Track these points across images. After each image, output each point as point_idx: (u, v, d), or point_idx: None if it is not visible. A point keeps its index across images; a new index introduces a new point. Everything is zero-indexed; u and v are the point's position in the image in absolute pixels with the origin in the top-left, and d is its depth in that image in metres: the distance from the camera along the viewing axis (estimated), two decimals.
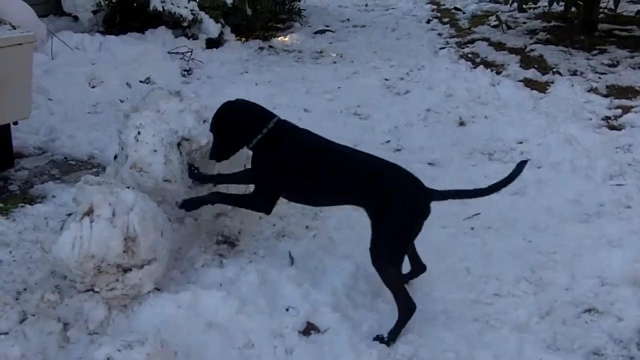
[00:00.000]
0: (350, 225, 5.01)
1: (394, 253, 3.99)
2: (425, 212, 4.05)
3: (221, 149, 4.38)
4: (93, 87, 7.42)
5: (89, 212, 3.93)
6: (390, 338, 3.90)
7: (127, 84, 7.62)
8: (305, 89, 7.71)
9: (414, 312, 3.96)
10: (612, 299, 4.38)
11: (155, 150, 4.39)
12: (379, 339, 3.89)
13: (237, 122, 4.28)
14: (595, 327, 4.16)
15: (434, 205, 5.25)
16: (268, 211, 4.36)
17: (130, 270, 3.97)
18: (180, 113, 4.57)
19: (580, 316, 4.26)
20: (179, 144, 4.48)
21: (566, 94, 7.76)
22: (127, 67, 7.89)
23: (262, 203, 4.35)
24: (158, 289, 4.08)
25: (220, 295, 3.96)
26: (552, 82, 8.22)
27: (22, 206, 5.02)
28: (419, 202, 4.05)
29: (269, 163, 4.26)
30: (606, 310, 4.29)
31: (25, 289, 4.06)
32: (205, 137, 4.54)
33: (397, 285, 3.99)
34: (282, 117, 6.70)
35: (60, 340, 3.75)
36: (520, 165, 4.29)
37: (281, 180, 4.24)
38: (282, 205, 5.11)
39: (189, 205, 4.38)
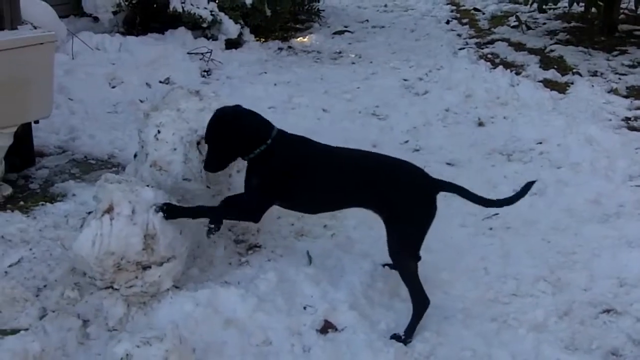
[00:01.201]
0: (368, 224, 4.99)
1: (410, 248, 4.03)
2: (434, 202, 4.07)
3: (218, 159, 4.21)
4: (113, 87, 7.47)
5: (109, 210, 3.96)
6: (407, 336, 3.90)
7: (146, 84, 7.67)
8: (323, 89, 7.72)
9: (427, 307, 3.98)
10: (631, 300, 4.37)
11: (174, 149, 4.42)
12: (396, 337, 3.88)
13: (238, 132, 4.11)
14: (613, 327, 4.15)
15: (454, 203, 5.32)
16: (257, 220, 4.21)
17: (150, 267, 4.00)
18: (199, 112, 4.59)
19: (599, 316, 4.24)
20: (198, 143, 4.49)
21: (586, 94, 7.72)
22: (147, 67, 7.94)
23: (253, 212, 4.17)
24: (177, 287, 4.11)
25: (239, 293, 3.99)
26: (572, 83, 8.19)
27: (42, 204, 5.08)
28: (427, 194, 4.06)
29: (267, 173, 4.13)
30: (625, 310, 4.27)
31: (45, 286, 4.11)
32: None
33: (414, 279, 3.99)
34: (301, 118, 6.78)
35: (80, 337, 3.79)
36: (528, 186, 4.26)
37: (278, 190, 4.14)
38: None
39: (170, 212, 4.02)
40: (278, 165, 4.11)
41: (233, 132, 4.09)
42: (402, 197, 4.01)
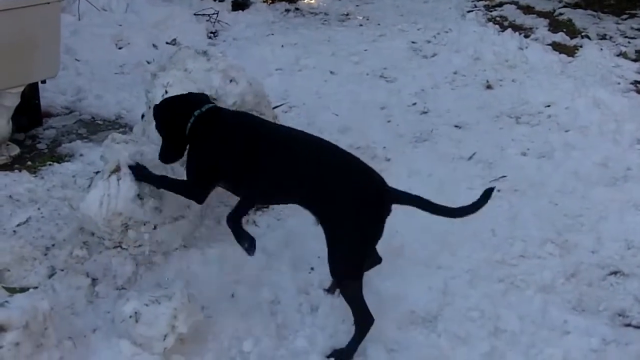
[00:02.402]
0: None
1: (351, 264, 3.50)
2: (383, 214, 3.51)
3: (168, 149, 3.90)
4: (120, 48, 7.42)
5: (116, 170, 3.96)
6: (347, 356, 3.55)
7: (153, 45, 7.62)
8: (331, 52, 7.66)
9: (371, 325, 3.55)
10: (638, 262, 4.39)
11: None
12: (334, 355, 3.56)
13: (171, 112, 3.84)
14: (620, 289, 4.17)
15: (460, 167, 5.32)
16: (200, 201, 3.89)
17: (158, 227, 4.01)
18: (207, 72, 4.58)
19: (606, 278, 4.26)
20: None
21: (595, 58, 7.64)
22: (153, 28, 7.88)
23: (193, 192, 3.87)
24: (185, 246, 4.12)
25: None
26: (581, 46, 8.11)
27: (50, 164, 5.08)
28: (375, 203, 3.47)
29: (201, 151, 3.77)
30: (632, 272, 4.30)
31: (53, 245, 4.11)
32: (232, 97, 4.54)
33: (356, 298, 3.52)
34: (308, 80, 6.74)
35: (89, 295, 3.82)
36: (488, 193, 3.74)
37: (215, 170, 3.73)
38: None
39: (137, 173, 3.98)
40: (211, 140, 3.74)
41: (161, 118, 3.87)
42: (345, 201, 3.44)
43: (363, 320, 3.53)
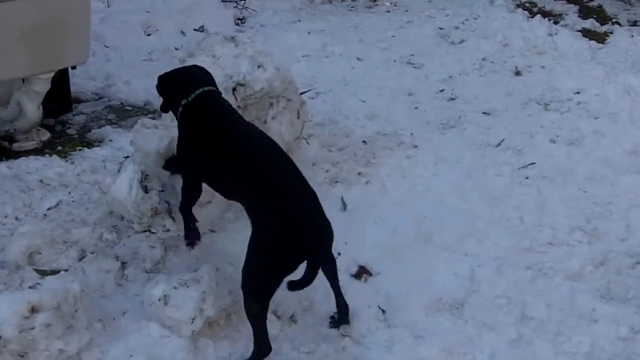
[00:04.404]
0: (402, 172, 5.01)
1: (258, 285, 3.34)
2: (306, 249, 3.27)
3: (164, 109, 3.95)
4: (148, 34, 7.43)
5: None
6: None
7: (181, 32, 7.62)
8: (358, 38, 7.62)
9: (266, 356, 3.40)
10: None
11: None
12: None
13: (171, 83, 3.86)
14: None
15: (488, 153, 5.29)
16: (195, 188, 3.86)
17: None
18: (235, 58, 4.58)
19: (635, 267, 4.24)
20: (234, 89, 4.49)
21: (625, 44, 7.54)
22: (181, 15, 7.88)
23: (184, 187, 3.90)
24: (213, 230, 4.15)
25: None
26: (611, 33, 8.01)
27: (80, 149, 5.13)
28: (298, 245, 3.26)
29: (181, 134, 3.83)
30: None
31: (84, 228, 4.15)
32: (260, 83, 4.54)
33: (257, 322, 3.36)
34: (335, 67, 6.72)
35: (118, 278, 3.86)
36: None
37: (195, 160, 3.74)
38: (335, 152, 5.17)
39: (167, 164, 4.08)
40: (187, 128, 3.77)
41: (168, 82, 3.88)
42: (272, 227, 3.31)
43: (259, 347, 3.39)
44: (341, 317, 3.69)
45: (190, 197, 3.90)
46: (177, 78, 3.88)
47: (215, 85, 3.89)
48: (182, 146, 3.85)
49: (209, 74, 3.93)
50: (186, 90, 3.74)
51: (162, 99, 3.94)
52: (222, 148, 3.60)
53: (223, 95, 3.98)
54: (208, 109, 3.75)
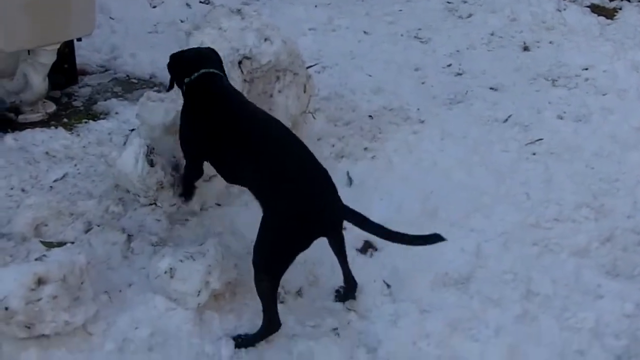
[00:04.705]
0: (409, 147, 5.00)
1: (271, 260, 3.35)
2: (315, 231, 3.35)
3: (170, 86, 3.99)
4: (154, 7, 7.38)
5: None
6: (243, 344, 3.41)
7: (187, 4, 7.57)
8: (364, 11, 7.56)
9: (275, 332, 3.43)
10: None
11: None
12: (235, 338, 3.43)
13: (179, 61, 3.86)
14: None
15: (495, 129, 5.27)
16: (192, 174, 3.94)
17: None
18: (241, 31, 4.55)
19: None
20: (240, 63, 4.47)
21: (634, 20, 7.48)
22: None
23: (186, 165, 3.96)
24: (219, 205, 4.14)
25: None
26: (620, 9, 7.93)
27: (86, 122, 5.12)
28: (311, 219, 3.30)
29: (183, 114, 3.83)
30: None
31: (90, 201, 4.14)
32: (267, 56, 4.51)
33: (268, 298, 3.38)
34: (342, 40, 6.67)
35: (124, 251, 3.86)
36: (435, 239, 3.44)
37: (197, 142, 3.76)
38: (341, 126, 5.16)
39: None
40: (189, 108, 3.77)
41: (171, 64, 3.90)
42: (284, 203, 3.31)
43: (268, 322, 3.41)
44: (348, 292, 3.70)
45: (191, 177, 3.95)
46: (185, 57, 3.88)
47: (222, 70, 3.87)
48: (183, 125, 3.83)
49: (219, 58, 3.92)
50: (190, 69, 3.74)
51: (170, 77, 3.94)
52: (226, 130, 3.57)
53: (228, 71, 3.98)
54: (210, 89, 3.73)
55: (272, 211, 3.35)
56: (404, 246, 3.92)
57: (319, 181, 3.40)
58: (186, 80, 3.72)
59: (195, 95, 3.72)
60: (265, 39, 4.57)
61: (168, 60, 3.92)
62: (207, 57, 3.86)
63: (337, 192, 3.41)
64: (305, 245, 3.33)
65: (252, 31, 4.58)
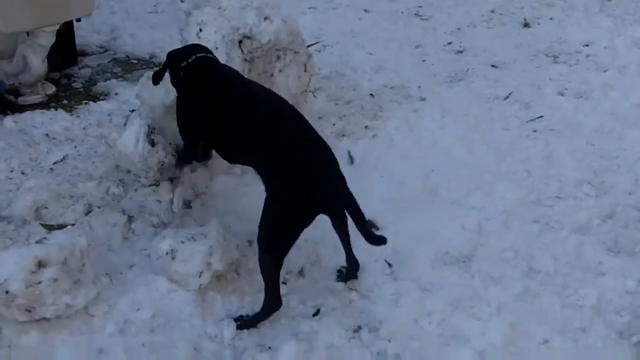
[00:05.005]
0: (409, 125, 4.99)
1: (275, 239, 3.36)
2: (316, 211, 3.37)
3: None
4: None
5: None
6: (245, 325, 3.41)
7: None
8: None
9: (276, 311, 3.43)
10: None
11: (216, 48, 4.35)
12: (236, 319, 3.43)
13: (175, 53, 3.85)
14: None
15: (496, 107, 5.25)
16: (192, 149, 3.90)
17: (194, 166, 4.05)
18: (241, 10, 4.53)
19: None
20: (240, 42, 4.45)
21: None
22: None
23: (185, 149, 3.94)
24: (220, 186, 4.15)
25: None
26: None
27: (85, 103, 5.13)
28: (314, 201, 3.32)
29: (184, 104, 3.80)
30: None
31: (90, 182, 4.15)
32: (267, 35, 4.49)
33: (271, 277, 3.37)
34: (342, 18, 6.64)
35: (125, 232, 3.87)
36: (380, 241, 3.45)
37: (197, 125, 3.72)
38: (342, 105, 5.15)
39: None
40: (189, 91, 3.74)
41: (168, 59, 3.85)
42: (289, 183, 3.34)
43: (270, 301, 3.40)
44: (350, 272, 3.71)
45: (190, 159, 3.98)
46: (180, 48, 3.93)
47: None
48: (183, 109, 3.80)
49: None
50: (186, 55, 3.75)
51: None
52: (228, 109, 3.56)
53: (229, 50, 4.06)
54: (210, 69, 3.73)
55: (274, 187, 3.37)
56: (406, 225, 3.97)
57: (322, 153, 3.42)
58: (183, 64, 3.69)
59: (195, 76, 3.69)
60: (265, 18, 4.55)
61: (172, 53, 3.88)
62: (201, 46, 3.89)
63: (339, 167, 3.43)
64: (309, 217, 3.34)
65: (251, 10, 4.55)
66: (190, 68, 3.70)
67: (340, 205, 3.43)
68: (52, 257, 3.22)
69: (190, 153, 3.94)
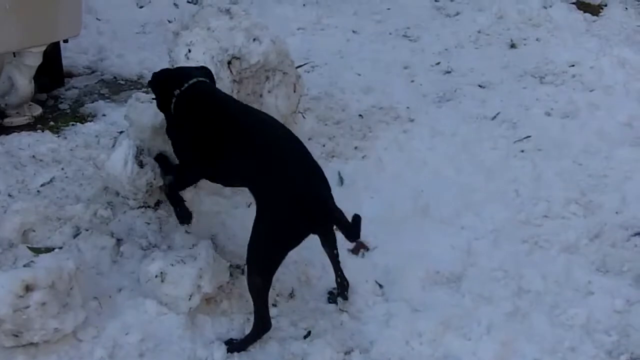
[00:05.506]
0: (399, 146, 5.00)
1: (263, 259, 3.35)
2: (306, 232, 3.36)
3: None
4: (141, 7, 7.34)
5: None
6: (235, 348, 3.39)
7: (174, 4, 7.52)
8: (353, 10, 7.55)
9: (267, 332, 3.41)
10: None
11: None
12: (227, 342, 3.41)
13: (164, 76, 3.83)
14: None
15: (484, 127, 5.27)
16: (188, 183, 3.87)
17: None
18: (230, 31, 4.54)
19: (630, 239, 4.24)
20: (229, 62, 4.45)
21: (619, 17, 7.50)
22: None
23: (180, 179, 3.85)
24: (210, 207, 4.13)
25: None
26: (605, 5, 7.93)
27: (73, 124, 5.09)
28: (303, 219, 3.31)
29: (180, 131, 3.73)
30: None
31: (78, 205, 4.11)
32: (256, 56, 4.50)
33: (259, 297, 3.36)
34: (331, 39, 6.65)
35: (114, 255, 3.84)
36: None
37: (195, 152, 3.65)
38: (331, 126, 5.16)
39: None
40: (189, 119, 3.67)
41: (157, 83, 3.84)
42: (278, 203, 3.33)
43: (259, 323, 3.39)
44: (341, 293, 3.70)
45: (182, 186, 3.89)
46: (171, 72, 3.90)
47: (213, 79, 3.89)
48: (179, 139, 3.75)
49: (207, 70, 3.94)
50: (179, 81, 3.71)
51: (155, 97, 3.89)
52: (224, 133, 3.54)
53: (217, 71, 4.04)
54: (205, 96, 3.72)
55: (267, 200, 3.36)
56: (396, 245, 3.96)
57: (312, 173, 3.43)
58: (177, 92, 3.66)
59: (191, 102, 3.66)
60: (254, 39, 4.55)
61: (150, 79, 3.86)
62: (193, 69, 3.87)
63: (329, 187, 3.43)
64: (298, 236, 3.33)
65: (240, 31, 4.56)
66: (185, 96, 3.68)
67: (331, 221, 3.41)
68: (40, 280, 3.18)
69: (187, 178, 3.86)
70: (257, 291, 3.35)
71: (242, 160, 3.48)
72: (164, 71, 3.95)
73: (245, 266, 3.38)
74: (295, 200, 3.29)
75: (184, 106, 3.68)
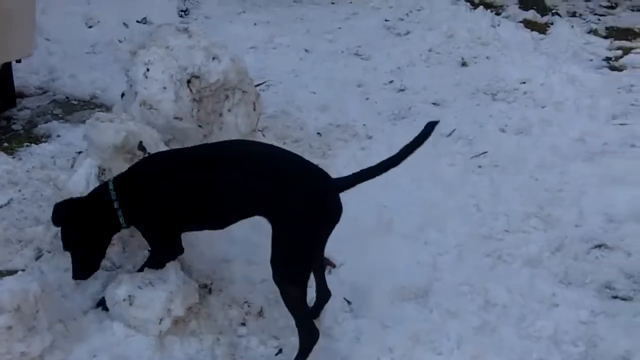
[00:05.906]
0: (358, 163, 4.95)
1: (294, 267, 3.25)
2: (332, 210, 3.31)
3: (86, 260, 3.52)
4: (90, 27, 7.27)
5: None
6: None
7: (124, 24, 7.49)
8: (305, 29, 7.61)
9: (316, 342, 3.31)
10: (621, 235, 4.44)
11: (164, 88, 4.34)
12: None
13: (82, 212, 3.46)
14: (605, 262, 4.22)
15: (440, 143, 5.32)
16: (174, 255, 3.57)
17: None
18: (189, 49, 4.51)
19: (590, 252, 4.31)
20: (188, 81, 4.42)
21: (566, 35, 7.70)
22: (122, 5, 7.70)
23: (166, 252, 3.55)
24: None
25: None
26: (552, 24, 8.16)
27: (27, 145, 5.01)
28: (321, 200, 3.27)
29: (147, 207, 3.44)
30: (616, 245, 4.35)
31: (38, 227, 4.03)
32: (215, 75, 4.47)
33: (298, 308, 3.30)
34: (284, 58, 6.67)
35: None
36: (429, 126, 3.48)
37: (169, 216, 3.42)
38: (290, 144, 5.18)
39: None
40: (148, 193, 3.42)
41: (79, 218, 3.46)
42: (287, 204, 3.22)
43: (307, 334, 3.31)
44: (316, 306, 3.65)
45: (171, 255, 3.58)
46: (77, 199, 3.59)
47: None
48: (150, 209, 3.44)
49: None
50: (97, 191, 3.53)
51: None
52: (204, 177, 3.35)
53: (177, 90, 4.12)
54: (149, 164, 3.58)
55: (283, 216, 3.22)
56: (362, 261, 3.95)
57: (306, 167, 3.40)
58: (111, 185, 3.45)
59: (142, 176, 3.48)
60: (214, 58, 4.53)
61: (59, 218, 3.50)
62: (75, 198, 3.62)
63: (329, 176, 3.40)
64: (323, 231, 3.28)
65: (199, 50, 4.53)
66: (134, 171, 3.53)
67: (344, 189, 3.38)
68: (5, 303, 3.10)
69: (172, 248, 3.57)
70: (295, 303, 3.27)
71: (245, 194, 3.32)
72: (69, 201, 3.56)
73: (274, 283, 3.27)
74: (310, 197, 3.22)
75: (134, 186, 3.45)
